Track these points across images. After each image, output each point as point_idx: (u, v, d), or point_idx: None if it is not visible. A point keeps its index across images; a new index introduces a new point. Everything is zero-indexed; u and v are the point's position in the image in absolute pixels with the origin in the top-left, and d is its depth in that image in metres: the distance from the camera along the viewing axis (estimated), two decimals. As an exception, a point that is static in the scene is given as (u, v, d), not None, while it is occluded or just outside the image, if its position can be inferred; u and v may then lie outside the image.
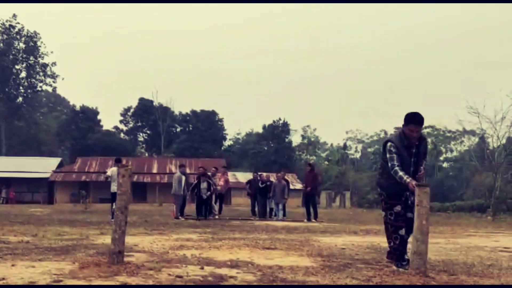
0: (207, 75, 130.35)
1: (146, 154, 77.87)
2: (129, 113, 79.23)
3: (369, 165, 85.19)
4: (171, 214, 18.45)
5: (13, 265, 5.32)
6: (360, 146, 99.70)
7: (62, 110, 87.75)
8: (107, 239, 6.41)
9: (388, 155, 6.16)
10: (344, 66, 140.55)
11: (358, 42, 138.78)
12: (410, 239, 5.81)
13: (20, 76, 72.31)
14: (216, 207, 19.34)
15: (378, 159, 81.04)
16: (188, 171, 18.74)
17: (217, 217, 18.50)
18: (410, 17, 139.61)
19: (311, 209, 18.24)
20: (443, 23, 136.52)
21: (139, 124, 79.45)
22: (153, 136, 78.07)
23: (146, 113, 76.78)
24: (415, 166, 6.14)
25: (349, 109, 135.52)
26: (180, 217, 17.05)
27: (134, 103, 78.95)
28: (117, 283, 4.49)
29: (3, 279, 4.56)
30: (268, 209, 19.93)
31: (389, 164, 6.10)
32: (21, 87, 72.84)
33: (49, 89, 76.56)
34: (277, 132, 78.29)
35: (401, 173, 5.93)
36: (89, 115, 72.41)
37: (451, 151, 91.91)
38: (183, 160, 46.55)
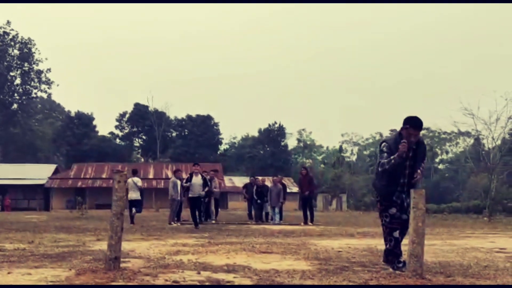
0: (202, 80, 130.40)
1: (142, 160, 77.72)
2: (125, 119, 79.12)
3: (365, 167, 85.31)
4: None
5: (9, 273, 5.30)
6: (356, 149, 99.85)
7: (58, 116, 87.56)
8: (103, 246, 6.40)
9: (379, 155, 6.15)
10: (340, 69, 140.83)
11: (353, 45, 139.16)
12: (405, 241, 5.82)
13: (15, 83, 72.14)
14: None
15: (374, 162, 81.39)
16: (184, 176, 18.42)
17: (213, 221, 18.47)
18: (405, 19, 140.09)
19: (308, 212, 18.26)
20: (438, 25, 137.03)
21: (135, 129, 79.35)
22: (149, 141, 77.96)
23: (142, 118, 76.69)
24: (412, 169, 6.09)
25: (345, 111, 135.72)
26: (174, 223, 16.99)
27: (129, 109, 78.90)
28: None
29: (-1, 287, 4.55)
30: (264, 213, 19.94)
31: (378, 162, 6.07)
32: (16, 94, 72.65)
33: (44, 95, 76.41)
34: (273, 135, 78.35)
35: (385, 160, 5.88)
36: (84, 121, 72.27)
37: (447, 152, 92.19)
38: (179, 165, 46.52)
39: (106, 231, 11.62)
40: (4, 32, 69.98)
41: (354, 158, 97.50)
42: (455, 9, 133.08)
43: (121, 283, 4.76)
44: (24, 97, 72.76)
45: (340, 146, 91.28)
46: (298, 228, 15.17)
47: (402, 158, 5.82)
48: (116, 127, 79.76)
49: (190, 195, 15.39)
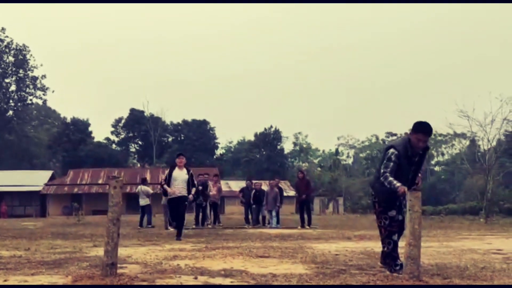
0: (198, 84, 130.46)
1: (138, 165, 77.63)
2: (120, 124, 79.06)
3: (362, 170, 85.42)
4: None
5: (5, 280, 5.28)
6: (352, 152, 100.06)
7: (53, 122, 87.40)
8: (100, 252, 6.38)
9: (385, 161, 6.09)
10: (335, 71, 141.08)
11: (349, 46, 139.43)
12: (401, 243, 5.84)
13: (10, 90, 72.02)
14: (211, 216, 19.33)
15: (370, 165, 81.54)
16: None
17: (209, 226, 18.45)
18: (399, 21, 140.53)
19: (305, 216, 18.28)
20: (433, 27, 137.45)
21: (131, 134, 79.30)
22: (145, 146, 77.90)
23: (138, 123, 76.65)
24: (414, 174, 6.15)
25: (341, 114, 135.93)
26: (170, 227, 16.94)
27: (125, 114, 78.85)
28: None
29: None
30: (261, 217, 19.94)
31: (382, 169, 6.05)
32: (11, 101, 72.53)
33: (40, 102, 76.28)
34: (268, 139, 78.39)
35: (390, 178, 5.88)
36: (80, 127, 72.15)
37: (443, 154, 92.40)
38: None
39: (102, 237, 11.57)
40: (-1, 39, 69.92)
41: (350, 161, 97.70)
42: (450, 10, 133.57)
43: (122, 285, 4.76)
44: (19, 104, 72.64)
45: (336, 149, 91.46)
46: (295, 232, 15.17)
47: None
48: (112, 132, 79.72)
49: (169, 196, 11.79)
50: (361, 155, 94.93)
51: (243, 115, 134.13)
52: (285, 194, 21.14)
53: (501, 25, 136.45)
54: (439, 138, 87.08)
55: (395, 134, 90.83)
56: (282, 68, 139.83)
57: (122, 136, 79.78)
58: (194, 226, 18.19)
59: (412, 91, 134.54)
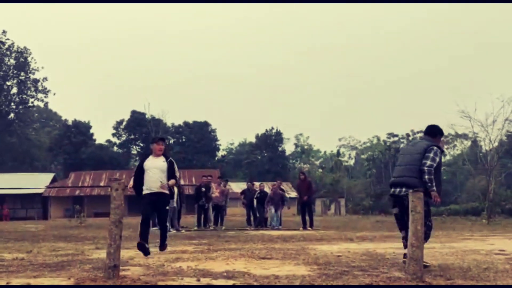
0: (199, 86, 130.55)
1: (140, 167, 77.47)
2: (122, 126, 79.04)
3: (363, 171, 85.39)
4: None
5: (8, 283, 5.28)
6: (353, 153, 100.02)
7: (54, 125, 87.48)
8: (102, 254, 6.38)
9: (436, 158, 6.81)
10: (335, 73, 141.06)
11: (349, 46, 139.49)
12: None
13: (11, 92, 72.09)
14: (213, 217, 19.31)
15: (371, 166, 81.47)
16: (182, 182, 18.39)
17: (211, 228, 18.44)
18: (400, 20, 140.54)
19: (307, 217, 18.28)
20: (434, 27, 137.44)
21: (132, 137, 79.25)
22: (146, 148, 77.77)
23: (139, 125, 76.62)
24: None
25: (342, 116, 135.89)
26: (171, 229, 16.96)
27: (126, 116, 78.79)
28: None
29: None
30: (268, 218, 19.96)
31: (429, 163, 6.70)
32: (12, 103, 72.60)
33: (41, 104, 76.39)
34: (270, 141, 78.39)
35: (432, 177, 6.72)
36: (81, 129, 72.18)
37: (444, 155, 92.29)
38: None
39: (104, 239, 11.58)
40: (0, 41, 69.99)
41: (352, 162, 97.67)
42: (451, 9, 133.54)
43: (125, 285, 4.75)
44: (20, 106, 72.72)
45: (338, 150, 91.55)
46: (297, 233, 15.15)
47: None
48: (113, 135, 79.70)
49: (145, 191, 8.40)
50: (362, 156, 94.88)
51: (244, 116, 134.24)
52: (287, 195, 21.13)
53: (503, 26, 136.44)
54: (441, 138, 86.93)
55: (397, 135, 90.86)
56: (283, 69, 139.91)
57: (124, 138, 79.74)
58: (196, 228, 18.19)
59: (413, 92, 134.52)
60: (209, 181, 19.59)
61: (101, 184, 50.09)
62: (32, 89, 72.46)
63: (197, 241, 11.96)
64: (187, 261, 7.36)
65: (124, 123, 78.70)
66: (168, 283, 5.20)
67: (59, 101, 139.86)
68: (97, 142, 75.54)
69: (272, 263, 7.16)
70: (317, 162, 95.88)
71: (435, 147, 6.84)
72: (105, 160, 66.21)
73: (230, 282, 5.34)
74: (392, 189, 7.08)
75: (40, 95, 73.14)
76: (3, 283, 5.30)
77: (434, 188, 6.69)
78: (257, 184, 21.91)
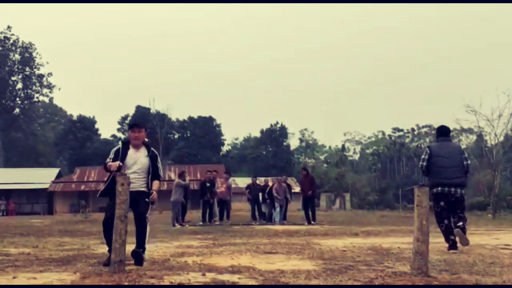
0: (204, 81, 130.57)
1: (145, 162, 77.65)
2: (127, 121, 79.15)
3: (368, 166, 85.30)
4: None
5: (14, 277, 5.31)
6: (358, 148, 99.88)
7: (60, 120, 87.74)
8: (107, 248, 6.40)
9: (467, 156, 8.53)
10: (341, 67, 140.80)
11: (355, 41, 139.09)
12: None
13: (17, 88, 72.28)
14: (218, 212, 19.37)
15: (376, 161, 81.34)
16: (187, 181, 18.44)
17: (217, 223, 18.48)
18: (405, 14, 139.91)
19: (310, 213, 18.33)
20: (439, 20, 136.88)
21: (137, 132, 79.36)
22: (151, 143, 77.71)
23: (144, 120, 76.76)
24: None
25: (347, 110, 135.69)
26: (176, 224, 17.03)
27: (131, 111, 78.91)
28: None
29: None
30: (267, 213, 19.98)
31: (469, 162, 8.55)
32: (17, 99, 72.80)
33: (46, 99, 76.62)
34: (275, 136, 78.39)
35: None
36: (86, 125, 72.38)
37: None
38: (182, 167, 46.51)
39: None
40: (5, 37, 70.14)
41: (356, 157, 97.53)
42: (456, 4, 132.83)
43: (126, 285, 4.76)
44: (26, 102, 72.90)
45: (343, 145, 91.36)
46: (302, 228, 15.17)
47: None
48: (118, 130, 79.86)
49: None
50: (367, 151, 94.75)
51: (249, 111, 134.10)
52: (292, 190, 21.20)
53: (509, 20, 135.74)
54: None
55: (402, 130, 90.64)
56: (288, 64, 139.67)
57: (128, 133, 79.90)
58: (201, 223, 18.24)
59: (418, 86, 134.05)
60: (215, 177, 19.63)
61: (106, 179, 50.19)
62: (37, 84, 72.64)
63: (202, 236, 11.98)
64: (192, 256, 7.38)
65: (129, 118, 78.80)
66: (174, 278, 5.21)
67: (64, 96, 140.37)
68: (102, 137, 75.75)
69: (277, 257, 7.17)
70: (322, 157, 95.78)
71: (464, 149, 8.67)
72: (110, 155, 66.33)
73: (236, 277, 5.35)
74: (447, 188, 8.23)
75: (45, 90, 73.39)
76: (10, 277, 5.33)
77: None
78: (261, 179, 21.95)
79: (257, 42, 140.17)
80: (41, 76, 72.35)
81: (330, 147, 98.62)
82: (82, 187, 49.34)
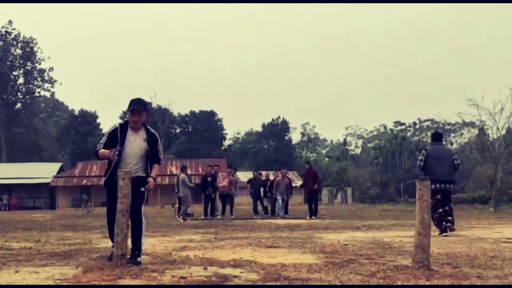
0: (205, 75, 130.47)
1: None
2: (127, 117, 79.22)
3: (370, 160, 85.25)
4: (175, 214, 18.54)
5: (16, 272, 5.31)
6: (360, 142, 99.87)
7: (61, 115, 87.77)
8: (109, 243, 6.40)
9: (457, 157, 10.60)
10: (342, 62, 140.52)
11: (356, 35, 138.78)
12: None
13: (18, 82, 72.32)
14: (220, 206, 19.39)
15: (378, 154, 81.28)
16: (189, 172, 18.47)
17: (218, 217, 18.50)
18: (407, 8, 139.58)
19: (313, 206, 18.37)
20: (440, 13, 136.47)
21: (139, 126, 79.40)
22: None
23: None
24: None
25: (348, 104, 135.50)
26: (179, 217, 17.06)
27: (132, 106, 78.81)
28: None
29: (7, 286, 4.56)
30: (269, 207, 19.99)
31: (459, 162, 10.60)
32: (19, 93, 72.84)
33: (47, 94, 76.69)
34: (276, 130, 78.40)
35: None
36: (88, 119, 72.43)
37: (451, 143, 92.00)
38: (183, 161, 46.55)
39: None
40: (6, 31, 70.14)
41: (358, 151, 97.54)
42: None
43: (128, 279, 4.77)
44: (27, 96, 72.95)
45: (344, 139, 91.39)
46: (304, 222, 15.18)
47: None
48: (120, 124, 79.85)
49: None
50: (369, 145, 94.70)
51: (251, 106, 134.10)
52: (293, 184, 21.24)
53: (510, 14, 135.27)
54: (448, 127, 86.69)
55: (403, 124, 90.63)
56: (290, 58, 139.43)
57: (130, 127, 79.89)
58: (203, 217, 18.27)
59: (420, 80, 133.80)
60: (216, 171, 19.64)
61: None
62: (39, 79, 72.68)
63: (204, 230, 12.00)
64: (194, 250, 7.39)
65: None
66: (175, 272, 5.22)
67: (66, 91, 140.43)
68: (103, 131, 75.73)
69: (279, 251, 7.17)
70: (324, 151, 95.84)
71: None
72: (112, 149, 66.41)
73: (237, 271, 5.35)
74: (440, 185, 9.91)
75: (46, 85, 73.44)
76: (12, 271, 5.33)
77: None
78: (264, 173, 21.96)
79: (259, 36, 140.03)
80: (42, 71, 72.37)
81: (331, 141, 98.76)
82: (84, 182, 49.42)
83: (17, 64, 71.42)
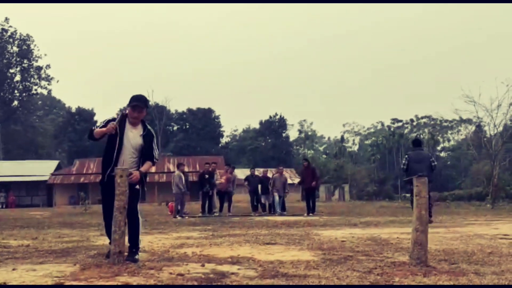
0: (203, 73, 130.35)
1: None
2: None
3: (367, 157, 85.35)
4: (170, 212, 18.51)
5: (14, 269, 5.30)
6: (357, 139, 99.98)
7: (58, 112, 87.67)
8: (107, 240, 6.40)
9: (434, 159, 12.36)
10: (339, 59, 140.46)
11: (352, 32, 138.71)
12: None
13: (15, 80, 72.16)
14: (217, 204, 19.39)
15: (375, 151, 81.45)
16: (186, 169, 18.48)
17: (216, 214, 18.50)
18: (404, 8, 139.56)
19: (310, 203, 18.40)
20: (439, 11, 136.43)
21: (136, 124, 79.35)
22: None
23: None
24: None
25: (346, 101, 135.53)
26: (177, 216, 17.06)
27: (129, 103, 78.75)
28: (119, 284, 4.48)
29: (5, 283, 4.55)
30: (267, 204, 20.00)
31: (435, 166, 12.59)
32: (16, 91, 72.69)
33: (44, 92, 76.51)
34: (274, 127, 78.42)
35: None
36: (85, 117, 72.35)
37: (448, 140, 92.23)
38: (181, 159, 46.55)
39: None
40: (3, 29, 69.94)
41: (356, 148, 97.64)
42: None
43: (125, 277, 4.77)
44: (24, 94, 72.80)
45: (342, 136, 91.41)
46: (302, 219, 15.19)
47: None
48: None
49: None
50: (366, 142, 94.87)
51: (248, 103, 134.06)
52: (290, 181, 21.29)
53: (507, 12, 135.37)
54: (445, 124, 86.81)
55: (401, 121, 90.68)
56: (287, 55, 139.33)
57: (127, 125, 79.83)
58: (200, 214, 18.27)
59: (417, 77, 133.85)
60: (214, 168, 19.63)
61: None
62: (36, 76, 72.51)
63: (202, 227, 12.00)
64: (192, 247, 7.38)
65: (128, 110, 78.70)
66: (173, 269, 5.22)
67: (63, 88, 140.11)
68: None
69: (276, 248, 7.17)
70: (321, 148, 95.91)
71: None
72: (109, 147, 66.40)
73: (235, 268, 5.35)
74: None
75: (43, 83, 73.33)
76: (10, 269, 5.32)
77: None
78: (260, 170, 21.97)
79: (257, 34, 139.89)
80: (39, 68, 72.21)
81: (329, 138, 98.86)
82: (82, 179, 49.39)
83: (14, 62, 71.25)
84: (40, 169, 51.11)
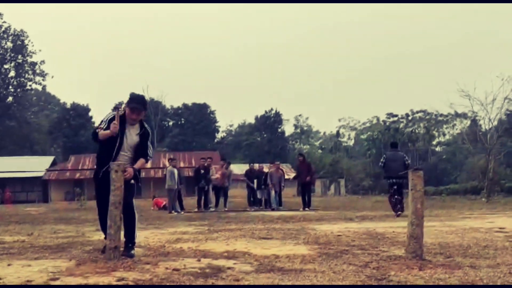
0: (198, 67, 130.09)
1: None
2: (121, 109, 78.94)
3: (363, 152, 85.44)
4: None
5: (9, 265, 5.29)
6: (353, 133, 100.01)
7: (53, 108, 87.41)
8: (102, 235, 6.39)
9: (407, 157, 13.87)
10: (334, 53, 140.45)
11: (347, 26, 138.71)
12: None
13: (9, 76, 71.78)
14: (213, 199, 19.38)
15: (371, 146, 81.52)
16: (181, 164, 18.46)
17: (212, 209, 18.50)
18: (400, 2, 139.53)
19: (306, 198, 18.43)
20: (432, 4, 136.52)
21: (131, 119, 79.20)
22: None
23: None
24: None
25: (341, 96, 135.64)
26: (173, 211, 17.05)
27: (125, 99, 78.32)
28: (114, 279, 4.48)
29: (0, 279, 4.54)
30: (263, 199, 20.01)
31: (409, 161, 13.97)
32: (10, 87, 72.31)
33: (39, 87, 76.14)
34: (269, 122, 78.40)
35: None
36: (80, 112, 72.11)
37: (444, 135, 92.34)
38: (176, 154, 46.49)
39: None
40: (-4, 24, 69.53)
41: (351, 142, 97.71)
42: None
43: (121, 272, 4.76)
44: (18, 90, 72.44)
45: (337, 131, 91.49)
46: (297, 214, 15.20)
47: None
48: (112, 117, 79.59)
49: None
50: (362, 136, 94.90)
51: (244, 98, 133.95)
52: (286, 176, 21.30)
53: (500, 8, 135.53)
54: (440, 118, 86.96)
55: (396, 115, 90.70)
56: (282, 50, 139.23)
57: (123, 120, 79.66)
58: (196, 210, 18.27)
59: (412, 71, 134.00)
60: (210, 163, 19.62)
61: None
62: (30, 72, 72.13)
63: (198, 222, 12.00)
64: (188, 242, 7.38)
65: (123, 106, 78.45)
66: (169, 264, 5.21)
67: (57, 84, 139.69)
68: (96, 124, 75.38)
69: (272, 243, 7.18)
70: (317, 143, 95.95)
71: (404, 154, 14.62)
72: (104, 142, 66.27)
73: (231, 262, 5.35)
74: (396, 179, 13.50)
75: (38, 78, 72.88)
76: (5, 264, 5.31)
77: None
78: (256, 165, 21.94)
79: (252, 28, 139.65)
80: (33, 64, 71.84)
81: (324, 133, 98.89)
82: (77, 175, 49.30)
83: (8, 57, 70.84)
84: (35, 165, 50.98)
